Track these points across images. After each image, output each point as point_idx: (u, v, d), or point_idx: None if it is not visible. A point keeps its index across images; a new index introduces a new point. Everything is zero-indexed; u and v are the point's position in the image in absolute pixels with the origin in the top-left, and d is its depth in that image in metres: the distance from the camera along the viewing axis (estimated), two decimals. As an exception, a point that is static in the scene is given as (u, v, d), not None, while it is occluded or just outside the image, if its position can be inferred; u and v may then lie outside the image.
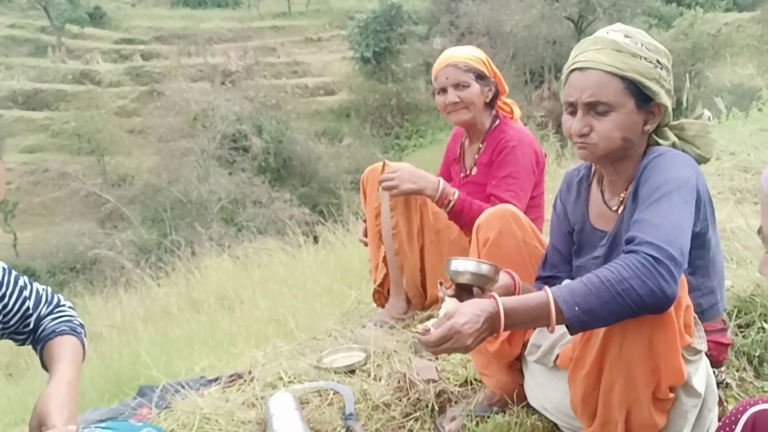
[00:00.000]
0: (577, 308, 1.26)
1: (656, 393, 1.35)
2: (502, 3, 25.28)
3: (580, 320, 1.27)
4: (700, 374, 1.41)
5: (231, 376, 2.13)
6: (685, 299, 1.35)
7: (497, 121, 2.38)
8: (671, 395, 1.37)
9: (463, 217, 2.22)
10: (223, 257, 8.04)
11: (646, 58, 1.47)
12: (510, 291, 1.57)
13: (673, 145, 1.56)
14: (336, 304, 3.64)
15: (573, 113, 1.51)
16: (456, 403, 1.91)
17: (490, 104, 2.37)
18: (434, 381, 1.99)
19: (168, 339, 4.91)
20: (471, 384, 1.97)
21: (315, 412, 1.81)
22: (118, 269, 10.95)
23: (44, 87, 27.40)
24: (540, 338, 1.66)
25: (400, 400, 1.90)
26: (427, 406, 1.88)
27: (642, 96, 1.47)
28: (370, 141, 24.23)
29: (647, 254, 1.25)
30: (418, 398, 1.90)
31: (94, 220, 19.15)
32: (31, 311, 1.41)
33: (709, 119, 1.57)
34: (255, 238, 10.32)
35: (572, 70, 1.51)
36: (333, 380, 2.00)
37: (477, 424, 1.76)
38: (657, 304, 1.25)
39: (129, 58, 30.50)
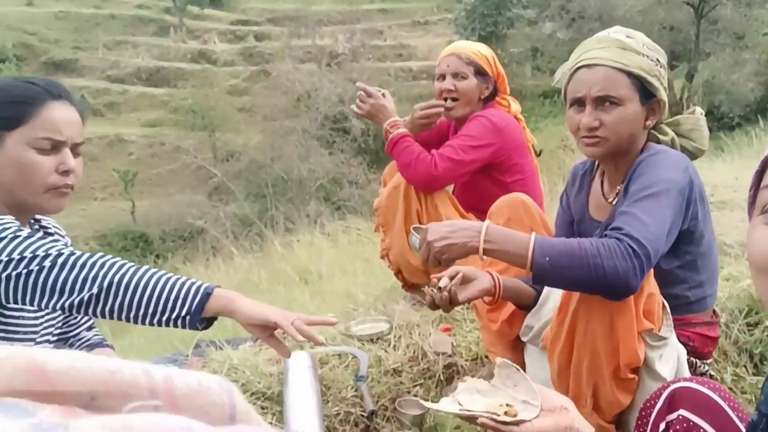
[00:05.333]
0: (547, 258, 1.37)
1: (617, 372, 1.45)
2: (616, -14, 24.29)
3: (546, 271, 1.38)
4: (667, 360, 1.48)
5: (269, 335, 2.37)
6: (648, 288, 1.43)
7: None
8: (632, 376, 1.45)
9: (394, 154, 2.37)
10: (314, 234, 8.39)
11: (648, 56, 1.55)
12: (490, 291, 1.68)
13: (672, 141, 1.63)
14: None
15: (579, 109, 1.59)
16: (462, 375, 2.05)
17: (486, 101, 2.45)
18: (447, 354, 2.13)
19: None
20: (481, 360, 2.10)
21: (331, 372, 2.01)
22: (220, 240, 11.68)
23: (165, 65, 29.19)
24: (533, 320, 1.77)
25: (411, 368, 2.07)
26: (434, 376, 2.03)
27: (645, 92, 1.55)
28: (471, 126, 24.06)
29: (629, 245, 1.34)
30: (427, 368, 2.06)
31: (203, 193, 20.33)
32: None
33: (700, 114, 1.62)
34: (348, 217, 10.67)
35: (579, 68, 1.59)
36: (355, 346, 2.19)
37: (475, 396, 1.89)
38: (617, 289, 1.34)
39: (243, 38, 31.88)
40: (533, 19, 28.44)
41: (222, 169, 20.65)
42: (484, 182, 2.41)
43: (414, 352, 2.13)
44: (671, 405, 1.09)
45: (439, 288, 1.57)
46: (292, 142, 19.33)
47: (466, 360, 2.11)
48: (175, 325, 1.35)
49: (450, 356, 2.12)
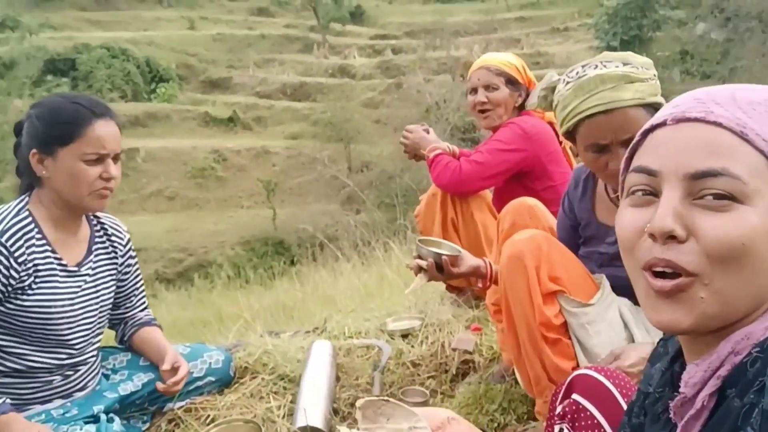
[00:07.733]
0: None
1: (546, 335, 1.54)
2: (777, -18, 22.29)
3: None
4: (597, 334, 1.54)
5: (315, 328, 2.59)
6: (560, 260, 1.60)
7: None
8: (556, 336, 1.55)
9: (430, 171, 2.49)
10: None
11: (650, 79, 1.56)
12: (482, 273, 1.79)
13: None
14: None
15: (600, 152, 1.58)
16: (476, 372, 2.14)
17: (521, 109, 2.51)
18: (467, 351, 2.23)
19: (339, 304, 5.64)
20: (497, 359, 2.18)
21: (353, 361, 2.19)
22: (349, 247, 12.22)
23: (308, 80, 30.85)
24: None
25: (429, 362, 2.19)
26: (448, 371, 2.14)
27: (655, 110, 1.58)
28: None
29: None
30: (444, 362, 2.17)
31: (336, 202, 21.26)
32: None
33: None
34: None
35: (594, 114, 1.55)
36: (385, 340, 2.35)
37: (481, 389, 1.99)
38: None
39: (381, 52, 32.94)
40: (683, 20, 26.85)
41: (355, 180, 21.42)
42: (516, 189, 2.47)
43: (437, 348, 2.25)
44: (568, 390, 1.16)
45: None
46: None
47: (485, 358, 2.19)
48: None
49: (470, 353, 2.22)
